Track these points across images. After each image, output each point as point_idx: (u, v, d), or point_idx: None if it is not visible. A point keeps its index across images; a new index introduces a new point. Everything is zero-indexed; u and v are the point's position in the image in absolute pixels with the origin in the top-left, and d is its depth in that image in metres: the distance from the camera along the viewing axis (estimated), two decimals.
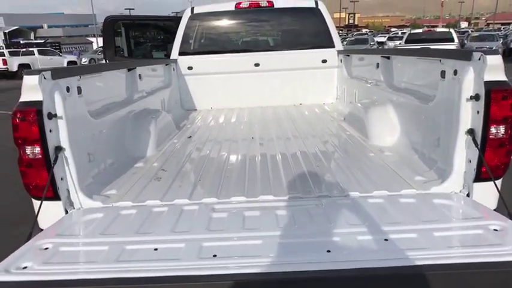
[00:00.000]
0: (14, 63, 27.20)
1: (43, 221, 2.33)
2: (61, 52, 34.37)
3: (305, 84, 5.74)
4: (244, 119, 4.92)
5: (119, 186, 2.65)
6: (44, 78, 2.16)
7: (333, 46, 5.66)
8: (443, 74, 2.61)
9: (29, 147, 2.19)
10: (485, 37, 25.21)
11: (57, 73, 2.28)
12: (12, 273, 1.58)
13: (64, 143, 2.30)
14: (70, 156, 2.32)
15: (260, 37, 6.16)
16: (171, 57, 5.70)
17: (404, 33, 25.77)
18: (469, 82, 2.26)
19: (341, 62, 5.54)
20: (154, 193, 2.51)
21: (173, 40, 5.78)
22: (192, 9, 5.79)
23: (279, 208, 2.20)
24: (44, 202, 2.25)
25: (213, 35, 5.95)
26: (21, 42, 40.70)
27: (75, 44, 51.18)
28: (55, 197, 2.28)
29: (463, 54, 2.40)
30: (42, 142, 2.18)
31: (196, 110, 5.75)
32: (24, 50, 29.51)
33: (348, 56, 5.37)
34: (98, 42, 52.49)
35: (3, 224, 4.68)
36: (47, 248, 1.80)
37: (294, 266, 1.58)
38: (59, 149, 2.27)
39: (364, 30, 73.05)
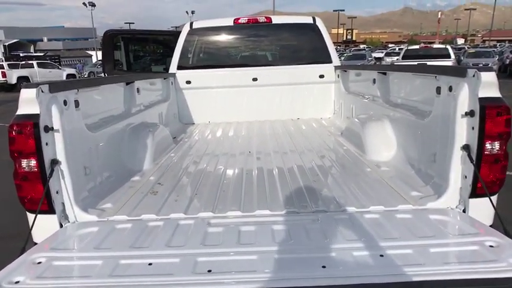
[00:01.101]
0: (13, 76, 27.25)
1: (37, 234, 2.31)
2: (60, 65, 34.50)
3: (303, 99, 5.78)
4: (241, 133, 4.93)
5: (115, 200, 2.64)
6: (42, 91, 2.17)
7: (330, 61, 5.72)
8: (438, 90, 2.63)
9: (25, 160, 2.19)
10: (482, 53, 25.53)
11: (55, 86, 2.29)
12: None
13: (60, 156, 2.30)
14: (66, 170, 2.32)
15: (258, 52, 6.22)
16: (169, 71, 5.73)
17: (402, 49, 26.04)
18: (464, 98, 2.29)
19: (338, 77, 5.59)
20: (150, 207, 2.50)
21: (172, 54, 5.83)
22: (191, 24, 5.85)
23: (275, 223, 2.20)
24: (38, 216, 2.24)
25: (212, 50, 6.01)
26: (21, 55, 40.77)
27: (74, 57, 51.44)
28: (50, 210, 2.27)
29: (458, 70, 2.42)
30: (38, 155, 2.18)
31: (194, 123, 5.76)
32: (23, 62, 29.58)
33: (345, 71, 5.42)
34: (97, 56, 52.92)
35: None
36: (40, 263, 1.78)
37: (289, 281, 1.57)
38: (54, 162, 2.27)
39: (361, 46, 73.86)
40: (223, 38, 5.96)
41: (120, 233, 2.13)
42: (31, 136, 2.15)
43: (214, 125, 5.56)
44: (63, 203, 2.33)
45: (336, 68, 5.68)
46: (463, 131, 2.32)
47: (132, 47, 7.81)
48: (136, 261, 1.78)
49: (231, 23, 5.69)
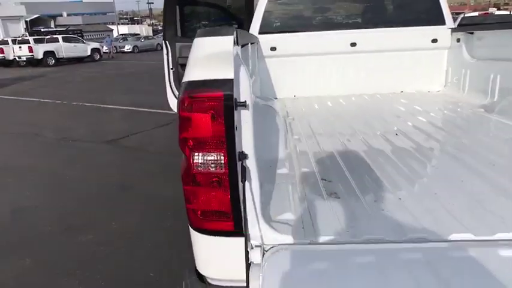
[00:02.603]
0: (39, 51, 26.97)
1: (203, 262, 1.56)
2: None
3: (407, 68, 4.84)
4: (353, 109, 4.06)
5: (290, 208, 1.81)
6: (236, 43, 1.35)
7: (443, 23, 4.74)
8: None
9: (207, 154, 1.37)
10: None
11: (242, 37, 1.46)
12: None
13: (247, 147, 1.49)
14: (254, 167, 1.51)
15: (357, 11, 5.24)
16: None
17: None
18: None
19: (458, 41, 4.61)
20: (355, 220, 1.67)
21: (242, 17, 4.98)
22: None
23: None
24: (208, 237, 1.48)
25: (301, 10, 5.07)
26: (42, 30, 40.40)
27: (95, 31, 50.82)
28: (235, 230, 1.47)
29: None
30: (228, 146, 1.36)
31: (276, 98, 4.90)
32: (48, 37, 29.11)
33: (472, 33, 4.45)
34: (118, 30, 52.20)
35: (66, 230, 4.00)
36: None
37: None
38: (242, 156, 1.46)
39: None
40: None
41: (363, 270, 1.32)
42: (221, 116, 1.32)
43: (303, 99, 4.69)
44: (246, 218, 1.53)
45: (454, 30, 4.70)
46: None
47: (186, 11, 6.94)
48: None
49: None
